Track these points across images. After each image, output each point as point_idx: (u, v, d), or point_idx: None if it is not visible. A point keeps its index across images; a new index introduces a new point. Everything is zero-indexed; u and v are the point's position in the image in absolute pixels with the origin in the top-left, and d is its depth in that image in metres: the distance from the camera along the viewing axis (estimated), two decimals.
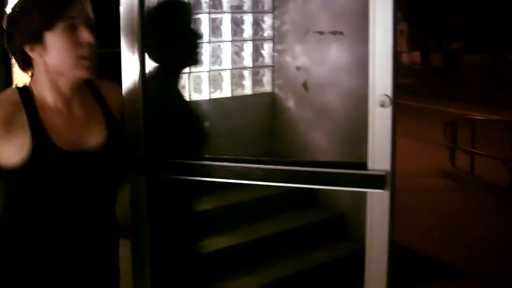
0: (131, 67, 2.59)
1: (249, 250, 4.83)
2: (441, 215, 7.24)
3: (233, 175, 2.43)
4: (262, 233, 4.98)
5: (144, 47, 2.63)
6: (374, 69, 2.19)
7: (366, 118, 2.24)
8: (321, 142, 5.22)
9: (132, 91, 2.59)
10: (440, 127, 10.77)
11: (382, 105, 2.18)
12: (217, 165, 2.48)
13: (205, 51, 5.94)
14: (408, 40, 34.39)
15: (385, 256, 2.26)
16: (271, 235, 4.96)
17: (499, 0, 27.72)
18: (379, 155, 2.19)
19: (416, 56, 32.43)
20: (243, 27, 6.29)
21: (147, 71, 2.71)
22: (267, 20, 6.40)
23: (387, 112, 2.18)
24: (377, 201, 2.21)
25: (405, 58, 32.62)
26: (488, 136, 9.42)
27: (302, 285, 4.71)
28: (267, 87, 6.35)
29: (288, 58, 6.09)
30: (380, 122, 2.19)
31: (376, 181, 2.17)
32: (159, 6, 3.07)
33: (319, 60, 5.39)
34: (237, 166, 2.41)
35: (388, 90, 2.18)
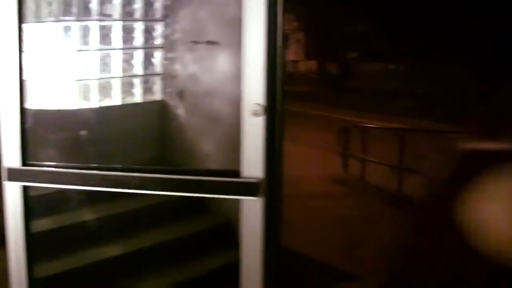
0: (10, 74, 2.54)
1: (136, 259, 4.77)
2: (332, 221, 7.36)
3: (109, 184, 2.42)
4: (150, 242, 4.92)
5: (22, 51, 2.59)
6: (246, 78, 2.22)
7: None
8: (209, 149, 5.22)
9: (9, 100, 2.54)
10: (334, 134, 10.99)
11: (254, 114, 2.21)
12: (93, 174, 2.45)
13: (94, 58, 5.85)
14: (305, 48, 34.98)
15: (259, 263, 2.29)
16: (159, 243, 4.90)
17: (395, 9, 28.60)
18: (251, 163, 2.22)
19: (313, 64, 33.06)
20: (134, 35, 6.24)
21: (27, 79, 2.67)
22: (158, 28, 6.37)
23: (260, 120, 2.22)
24: (251, 208, 2.24)
25: (302, 66, 33.19)
26: (379, 143, 9.65)
27: None
28: (157, 95, 6.31)
29: (178, 66, 6.07)
30: (252, 130, 2.22)
31: (249, 188, 2.21)
32: None
33: (205, 69, 5.41)
34: (113, 175, 2.39)
35: (261, 99, 2.21)
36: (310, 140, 12.84)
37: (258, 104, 2.20)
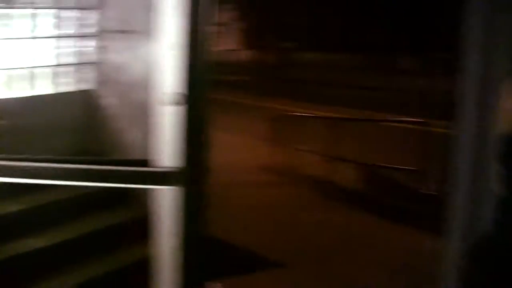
0: None
1: (59, 251, 4.69)
2: (262, 209, 7.40)
3: (22, 175, 2.36)
4: (73, 234, 4.85)
5: None
6: (162, 65, 2.21)
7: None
8: (126, 138, 5.20)
9: None
10: (268, 123, 11.03)
11: (170, 102, 2.20)
12: (3, 165, 2.39)
13: (25, 47, 5.73)
14: (243, 38, 34.98)
15: (174, 253, 2.28)
16: (82, 235, 4.84)
17: (330, 2, 28.88)
18: (167, 152, 2.21)
19: (250, 54, 33.05)
20: (66, 23, 6.13)
21: None
22: (91, 17, 6.27)
23: (176, 109, 2.21)
24: (167, 198, 2.23)
25: (239, 55, 33.15)
26: (310, 131, 9.72)
27: (114, 284, 4.64)
28: (88, 84, 6.22)
29: (108, 56, 6.01)
30: (168, 119, 2.21)
31: (164, 177, 2.20)
32: None
33: (125, 57, 5.36)
34: (26, 166, 2.34)
35: (179, 88, 2.20)
36: (242, 129, 12.88)
37: (174, 92, 2.20)
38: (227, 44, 34.96)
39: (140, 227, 5.30)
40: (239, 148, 10.84)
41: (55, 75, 6.07)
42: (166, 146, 2.21)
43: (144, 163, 2.27)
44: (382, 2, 26.26)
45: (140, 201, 5.30)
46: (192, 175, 2.28)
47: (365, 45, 26.79)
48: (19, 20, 5.65)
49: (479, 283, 1.59)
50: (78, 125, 5.86)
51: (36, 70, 5.87)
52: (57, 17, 6.02)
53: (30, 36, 5.78)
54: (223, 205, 6.64)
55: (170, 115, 2.23)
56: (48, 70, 6.02)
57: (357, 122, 11.42)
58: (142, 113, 5.36)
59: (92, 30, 6.25)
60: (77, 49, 6.25)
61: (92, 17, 6.25)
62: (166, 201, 2.25)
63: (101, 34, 6.17)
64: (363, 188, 8.49)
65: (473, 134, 2.08)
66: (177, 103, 2.21)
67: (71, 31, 6.18)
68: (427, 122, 8.16)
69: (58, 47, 6.10)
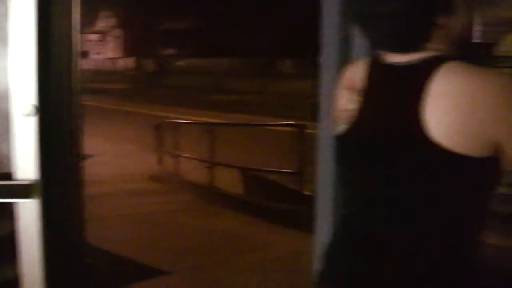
0: None
1: None
2: (146, 217, 7.31)
3: None
4: None
5: None
6: (15, 76, 2.15)
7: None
8: (1, 151, 5.03)
9: None
10: (150, 130, 10.95)
11: (26, 114, 2.14)
12: None
13: None
14: (122, 46, 34.69)
15: (38, 266, 2.22)
16: None
17: (208, 8, 29.10)
18: (24, 165, 2.16)
19: (130, 61, 32.79)
20: None
21: None
22: None
23: (32, 121, 2.15)
24: (25, 211, 2.17)
25: (119, 63, 32.83)
26: (193, 138, 9.70)
27: None
28: None
29: None
30: (24, 131, 2.15)
31: (21, 190, 2.13)
32: None
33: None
34: None
35: (33, 99, 2.15)
36: (125, 137, 12.74)
37: (29, 104, 2.14)
38: (107, 52, 34.56)
39: (10, 244, 5.12)
40: (122, 157, 10.71)
41: None
42: (25, 158, 2.15)
43: (8, 176, 2.20)
44: (258, 7, 26.68)
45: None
46: (50, 186, 2.23)
47: (244, 50, 27.15)
48: None
49: (332, 279, 1.64)
50: None
51: None
52: None
53: None
54: (106, 215, 6.54)
55: (27, 127, 2.17)
56: None
57: (237, 127, 11.50)
58: (7, 125, 5.22)
59: None
60: None
61: None
62: (23, 214, 2.18)
63: None
64: (246, 192, 8.54)
65: (330, 135, 2.12)
66: (32, 114, 2.15)
67: None
68: (303, 125, 8.28)
69: None
